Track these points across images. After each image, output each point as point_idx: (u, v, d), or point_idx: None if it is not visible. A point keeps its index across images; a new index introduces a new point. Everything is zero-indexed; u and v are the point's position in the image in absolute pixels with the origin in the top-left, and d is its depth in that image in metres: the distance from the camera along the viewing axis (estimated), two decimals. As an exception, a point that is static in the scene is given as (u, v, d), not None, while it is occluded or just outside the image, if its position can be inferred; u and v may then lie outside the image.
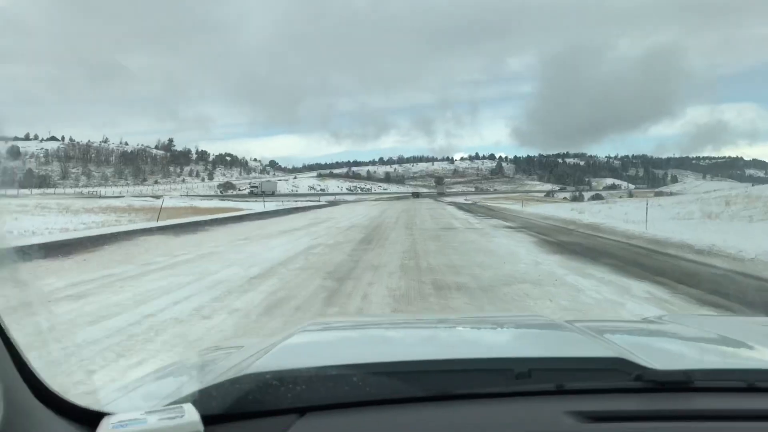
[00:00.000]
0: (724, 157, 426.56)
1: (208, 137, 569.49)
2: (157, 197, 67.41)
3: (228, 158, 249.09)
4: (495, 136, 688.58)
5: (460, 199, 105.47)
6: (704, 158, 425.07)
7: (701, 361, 1.63)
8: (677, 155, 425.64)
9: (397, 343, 1.97)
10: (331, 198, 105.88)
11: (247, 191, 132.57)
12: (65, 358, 5.33)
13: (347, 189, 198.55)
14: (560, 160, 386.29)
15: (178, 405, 1.23)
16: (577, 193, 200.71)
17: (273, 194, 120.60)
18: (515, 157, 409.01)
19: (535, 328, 2.22)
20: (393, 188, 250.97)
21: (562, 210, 44.07)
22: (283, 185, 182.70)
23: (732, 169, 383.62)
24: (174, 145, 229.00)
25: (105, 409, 1.24)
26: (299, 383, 1.29)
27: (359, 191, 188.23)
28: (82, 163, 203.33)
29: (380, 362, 1.44)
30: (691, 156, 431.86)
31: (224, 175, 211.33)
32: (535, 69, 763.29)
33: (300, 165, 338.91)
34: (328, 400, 1.30)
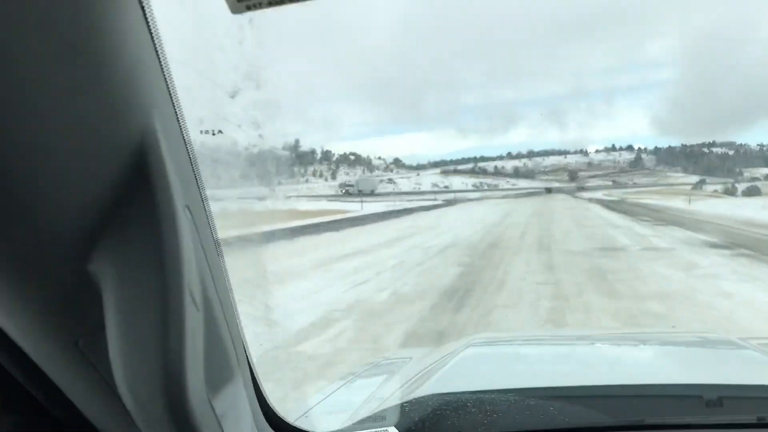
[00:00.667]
0: None
1: (334, 137, 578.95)
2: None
3: (352, 157, 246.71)
4: (632, 126, 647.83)
5: (599, 194, 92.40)
6: None
7: None
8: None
9: (567, 363, 1.90)
10: (451, 196, 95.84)
11: (342, 191, 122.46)
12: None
13: (472, 185, 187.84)
14: (705, 150, 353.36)
15: (383, 429, 1.26)
16: (730, 186, 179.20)
17: (372, 193, 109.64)
18: (655, 147, 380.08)
19: (714, 348, 2.06)
20: (522, 183, 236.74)
21: (749, 209, 33.51)
22: (405, 183, 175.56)
23: None
24: (300, 146, 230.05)
25: (315, 428, 1.29)
26: (497, 410, 1.27)
27: (485, 188, 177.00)
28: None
29: (560, 386, 1.39)
30: None
31: (347, 174, 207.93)
32: (675, 53, 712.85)
33: (425, 162, 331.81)
34: (524, 427, 1.27)
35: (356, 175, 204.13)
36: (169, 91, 0.64)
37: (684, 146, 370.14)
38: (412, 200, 73.76)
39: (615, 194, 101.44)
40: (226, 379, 0.92)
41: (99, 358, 0.73)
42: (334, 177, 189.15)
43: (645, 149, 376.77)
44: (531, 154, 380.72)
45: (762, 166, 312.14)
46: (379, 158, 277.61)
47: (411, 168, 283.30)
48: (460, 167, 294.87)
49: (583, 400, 1.30)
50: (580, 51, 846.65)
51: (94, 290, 0.67)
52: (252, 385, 1.11)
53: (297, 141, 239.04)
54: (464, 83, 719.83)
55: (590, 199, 68.17)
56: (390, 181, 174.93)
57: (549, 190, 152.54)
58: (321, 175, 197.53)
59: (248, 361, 1.09)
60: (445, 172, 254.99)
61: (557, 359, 1.93)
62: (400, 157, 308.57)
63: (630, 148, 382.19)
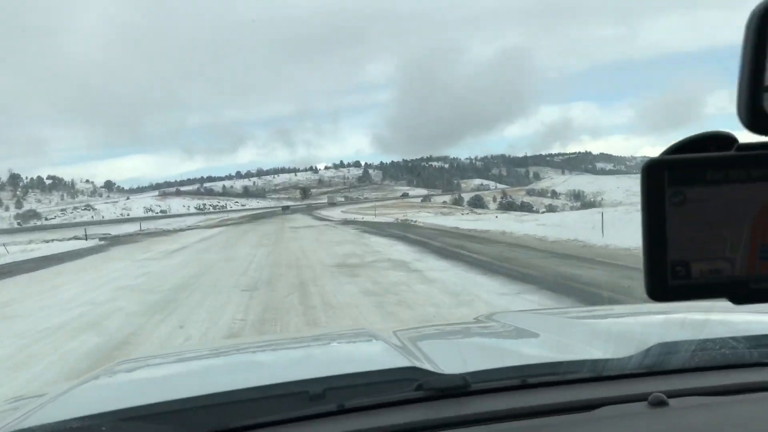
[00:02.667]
0: (575, 153, 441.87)
1: (40, 163, 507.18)
2: None
3: (49, 181, 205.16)
4: (357, 144, 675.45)
5: (336, 213, 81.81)
6: (556, 155, 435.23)
7: (480, 363, 1.53)
8: (530, 153, 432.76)
9: (190, 376, 1.90)
10: (151, 226, 71.66)
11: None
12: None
13: (196, 208, 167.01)
14: (425, 164, 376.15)
15: None
16: (457, 196, 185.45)
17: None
18: (381, 163, 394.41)
19: (344, 343, 2.23)
20: (253, 203, 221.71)
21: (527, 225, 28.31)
22: (110, 208, 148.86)
23: (584, 163, 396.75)
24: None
25: None
26: None
27: (211, 209, 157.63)
28: None
29: (149, 404, 1.33)
30: (543, 153, 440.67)
31: (39, 201, 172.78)
32: (392, 76, 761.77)
33: (147, 185, 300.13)
34: None
35: (50, 203, 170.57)
36: None
37: (405, 161, 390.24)
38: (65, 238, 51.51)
39: (351, 210, 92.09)
40: None
41: None
42: (19, 205, 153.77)
43: (372, 165, 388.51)
44: (261, 173, 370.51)
45: (474, 177, 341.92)
46: (88, 181, 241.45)
47: (129, 192, 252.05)
48: (182, 188, 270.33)
49: (161, 417, 1.27)
50: (305, 72, 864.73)
51: None
52: None
53: None
54: (188, 102, 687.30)
55: (334, 220, 55.01)
56: (87, 207, 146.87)
57: (287, 208, 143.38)
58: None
59: None
60: (165, 194, 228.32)
61: (171, 376, 1.91)
62: (117, 181, 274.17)
63: (358, 164, 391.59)
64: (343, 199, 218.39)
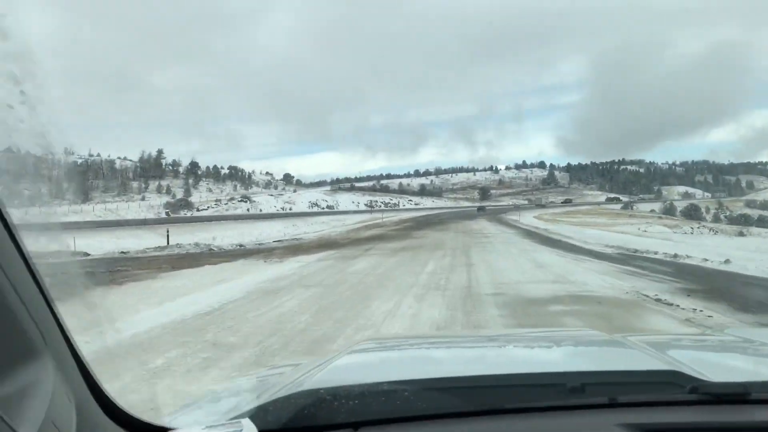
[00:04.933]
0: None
1: (237, 158, 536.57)
2: None
3: (223, 171, 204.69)
4: (540, 145, 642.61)
5: (528, 218, 63.05)
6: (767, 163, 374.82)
7: (758, 374, 1.56)
8: (734, 161, 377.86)
9: (448, 360, 1.99)
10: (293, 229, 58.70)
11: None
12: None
13: (365, 205, 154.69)
14: (617, 168, 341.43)
15: (237, 420, 1.27)
16: (668, 204, 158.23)
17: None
18: (568, 164, 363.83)
19: (589, 344, 2.22)
20: (428, 202, 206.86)
21: None
22: (270, 201, 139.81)
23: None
24: (164, 157, 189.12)
25: (168, 425, 1.32)
26: (352, 398, 1.32)
27: (382, 206, 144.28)
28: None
29: (432, 378, 1.46)
30: (752, 161, 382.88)
31: (210, 190, 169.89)
32: (581, 75, 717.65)
33: (328, 180, 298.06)
34: (382, 415, 1.32)
35: (222, 192, 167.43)
36: None
37: (594, 164, 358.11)
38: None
39: (542, 216, 72.81)
40: (21, 362, 0.92)
41: None
42: (188, 194, 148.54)
43: (558, 166, 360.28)
44: (439, 171, 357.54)
45: (673, 184, 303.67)
46: (267, 173, 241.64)
47: (308, 186, 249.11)
48: (358, 184, 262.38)
49: (450, 391, 1.37)
50: (489, 71, 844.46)
51: None
52: (81, 375, 1.11)
53: (160, 152, 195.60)
54: (373, 101, 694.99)
55: (546, 237, 33.01)
56: (244, 199, 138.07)
57: (482, 209, 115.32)
58: (167, 191, 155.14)
59: (72, 350, 1.08)
60: (338, 189, 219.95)
61: (435, 358, 2.03)
62: (298, 175, 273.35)
63: (542, 165, 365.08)
64: (553, 201, 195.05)
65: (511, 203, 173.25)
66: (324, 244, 30.43)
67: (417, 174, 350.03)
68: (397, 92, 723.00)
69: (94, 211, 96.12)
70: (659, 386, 1.37)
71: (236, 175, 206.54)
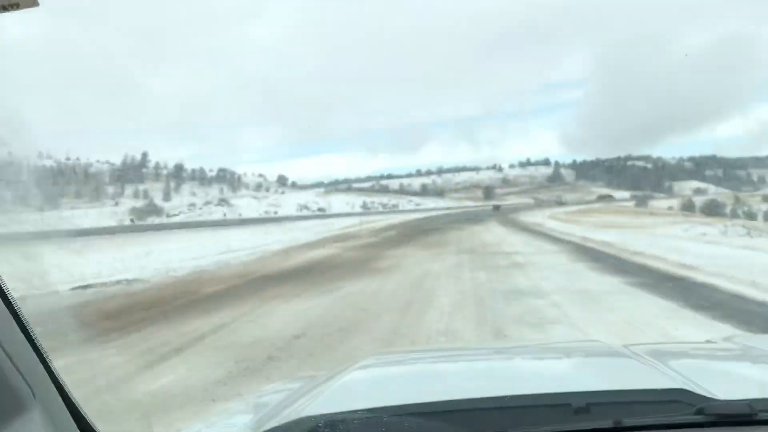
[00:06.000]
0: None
1: (236, 162, 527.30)
2: None
3: (211, 173, 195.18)
4: (544, 143, 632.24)
5: (545, 219, 53.63)
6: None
7: (765, 389, 1.50)
8: (741, 155, 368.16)
9: (454, 376, 1.99)
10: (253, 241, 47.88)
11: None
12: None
13: (360, 206, 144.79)
14: (623, 164, 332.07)
15: None
16: (686, 200, 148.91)
17: None
18: (573, 161, 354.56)
19: (592, 356, 2.21)
20: (429, 203, 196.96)
21: None
22: (252, 204, 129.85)
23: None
24: (149, 161, 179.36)
25: None
26: (350, 429, 1.30)
27: (380, 208, 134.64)
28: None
29: (434, 401, 1.43)
30: (760, 155, 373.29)
31: (194, 194, 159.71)
32: (585, 71, 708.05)
33: (326, 182, 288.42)
34: None
35: (208, 195, 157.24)
36: None
37: (600, 160, 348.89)
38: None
39: (565, 215, 63.45)
40: (12, 413, 0.88)
41: None
42: (167, 198, 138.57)
43: (562, 164, 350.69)
44: (441, 171, 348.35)
45: (686, 179, 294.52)
46: (260, 176, 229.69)
47: (302, 188, 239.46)
48: (355, 185, 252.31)
49: (451, 416, 1.34)
50: (492, 69, 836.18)
51: None
52: (76, 427, 1.09)
53: (145, 155, 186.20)
54: (373, 102, 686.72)
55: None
56: (222, 202, 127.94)
57: (498, 208, 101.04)
58: (143, 196, 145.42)
59: (65, 399, 1.06)
60: (333, 190, 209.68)
61: (440, 375, 2.01)
62: (294, 178, 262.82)
63: (547, 162, 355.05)
64: (532, 201, 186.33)
65: (518, 201, 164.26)
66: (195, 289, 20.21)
67: (419, 174, 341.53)
68: (398, 92, 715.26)
69: (43, 219, 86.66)
70: (665, 405, 1.34)
71: (224, 178, 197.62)
